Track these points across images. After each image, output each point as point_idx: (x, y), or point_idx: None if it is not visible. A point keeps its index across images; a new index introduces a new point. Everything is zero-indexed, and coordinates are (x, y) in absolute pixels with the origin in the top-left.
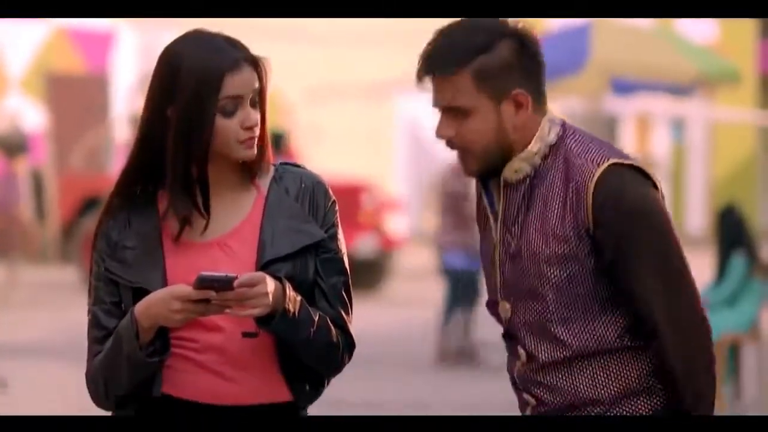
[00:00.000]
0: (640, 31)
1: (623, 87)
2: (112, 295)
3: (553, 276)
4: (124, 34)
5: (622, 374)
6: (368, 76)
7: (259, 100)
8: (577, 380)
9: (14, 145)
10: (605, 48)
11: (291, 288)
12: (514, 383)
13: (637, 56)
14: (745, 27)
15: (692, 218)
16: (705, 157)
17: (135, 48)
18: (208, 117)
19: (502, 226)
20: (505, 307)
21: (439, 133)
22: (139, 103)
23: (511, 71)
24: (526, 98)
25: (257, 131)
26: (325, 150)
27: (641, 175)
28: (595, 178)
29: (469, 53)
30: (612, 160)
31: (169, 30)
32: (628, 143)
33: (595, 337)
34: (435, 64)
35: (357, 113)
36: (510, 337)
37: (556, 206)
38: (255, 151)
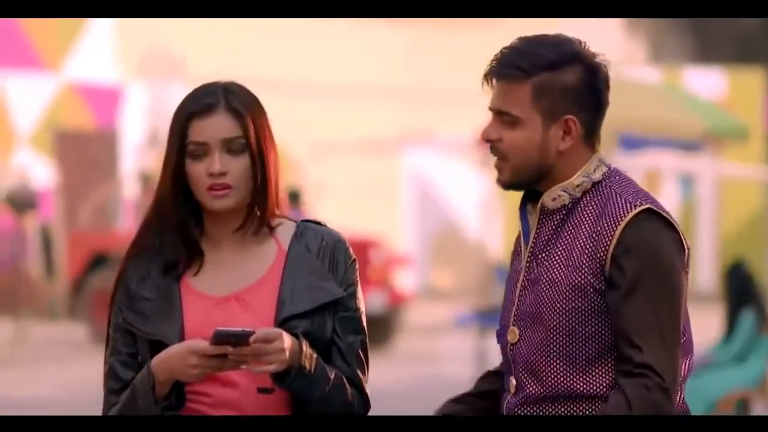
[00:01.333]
0: (647, 87)
1: (631, 143)
2: (129, 346)
3: (561, 306)
4: (132, 90)
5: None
6: (375, 131)
7: (249, 149)
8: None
9: (23, 202)
10: (613, 104)
11: (307, 345)
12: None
13: (644, 112)
14: (753, 83)
15: (701, 274)
16: (714, 213)
17: (144, 104)
18: (172, 157)
19: (530, 254)
20: (513, 333)
21: (485, 135)
22: (147, 160)
23: (569, 96)
24: (576, 126)
25: (227, 180)
26: (333, 205)
27: (674, 231)
28: (628, 218)
29: (536, 66)
30: (648, 206)
31: (177, 86)
32: None
33: (588, 380)
34: (501, 67)
35: (364, 168)
36: (507, 370)
37: (583, 238)
38: (227, 201)
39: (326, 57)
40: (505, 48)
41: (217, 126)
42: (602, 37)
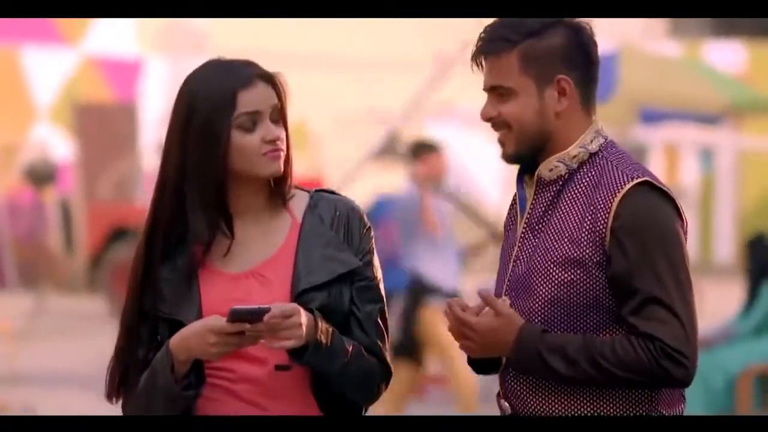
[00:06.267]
0: (668, 60)
1: (651, 116)
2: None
3: (557, 277)
4: (152, 64)
5: (596, 402)
6: (397, 104)
7: (280, 117)
8: (549, 398)
9: (42, 176)
10: (633, 77)
11: (323, 319)
12: (498, 393)
13: (665, 85)
14: None
15: (721, 247)
16: (733, 186)
17: (163, 77)
18: (222, 135)
19: (525, 224)
20: (505, 302)
21: (483, 114)
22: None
23: (557, 57)
24: (569, 84)
25: (281, 146)
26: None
27: (670, 202)
28: (625, 190)
29: (519, 34)
30: (645, 179)
31: (196, 59)
32: (656, 172)
33: None
34: (485, 44)
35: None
36: None
37: (580, 210)
38: (281, 165)
39: (347, 30)
40: (487, 26)
41: (264, 95)
42: None
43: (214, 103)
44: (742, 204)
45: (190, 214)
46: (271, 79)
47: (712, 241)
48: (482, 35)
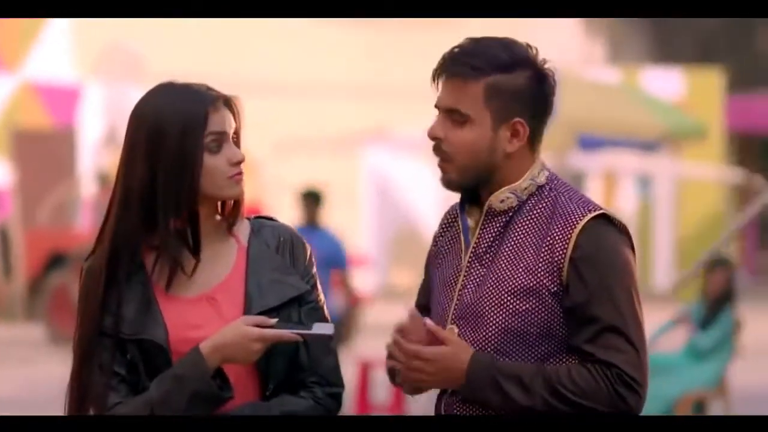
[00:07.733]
0: (606, 87)
1: (590, 143)
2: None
3: (511, 307)
4: (90, 90)
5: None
6: (333, 130)
7: (238, 141)
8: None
9: None
10: (571, 104)
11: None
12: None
13: (603, 112)
14: (712, 82)
15: (659, 275)
16: (671, 213)
17: (101, 103)
18: (196, 154)
19: (472, 254)
20: (452, 331)
21: (432, 132)
22: (106, 159)
23: (519, 99)
24: (524, 129)
25: (242, 168)
26: (291, 204)
27: (624, 234)
28: (583, 222)
29: (490, 66)
30: (602, 211)
31: (135, 85)
32: (594, 199)
33: None
34: (454, 65)
35: (322, 167)
36: None
37: (535, 241)
38: (242, 188)
39: (285, 55)
40: (456, 47)
41: (227, 117)
42: (561, 37)
43: (185, 124)
44: (680, 231)
45: (162, 235)
46: (229, 103)
47: (650, 269)
48: (450, 55)
